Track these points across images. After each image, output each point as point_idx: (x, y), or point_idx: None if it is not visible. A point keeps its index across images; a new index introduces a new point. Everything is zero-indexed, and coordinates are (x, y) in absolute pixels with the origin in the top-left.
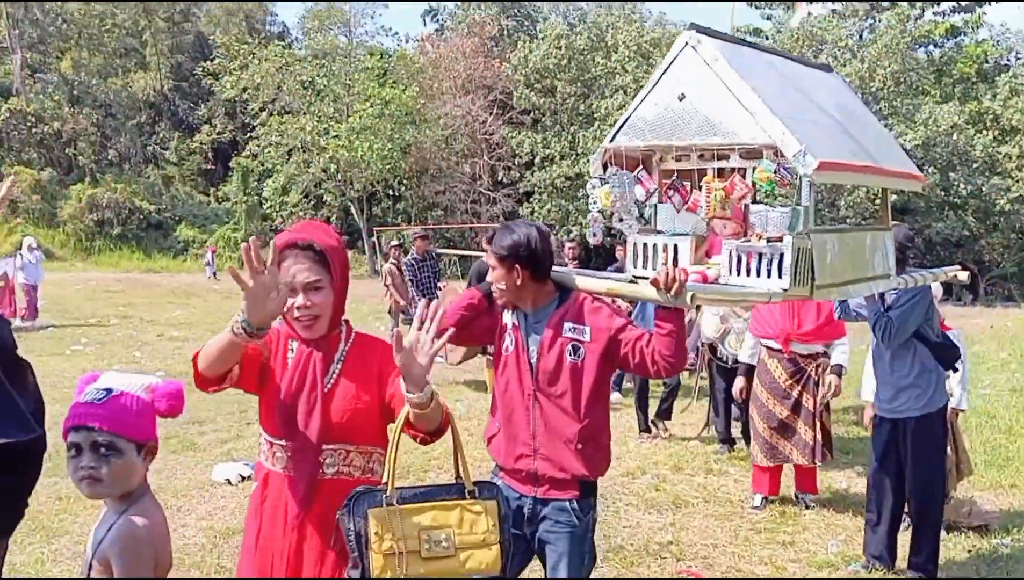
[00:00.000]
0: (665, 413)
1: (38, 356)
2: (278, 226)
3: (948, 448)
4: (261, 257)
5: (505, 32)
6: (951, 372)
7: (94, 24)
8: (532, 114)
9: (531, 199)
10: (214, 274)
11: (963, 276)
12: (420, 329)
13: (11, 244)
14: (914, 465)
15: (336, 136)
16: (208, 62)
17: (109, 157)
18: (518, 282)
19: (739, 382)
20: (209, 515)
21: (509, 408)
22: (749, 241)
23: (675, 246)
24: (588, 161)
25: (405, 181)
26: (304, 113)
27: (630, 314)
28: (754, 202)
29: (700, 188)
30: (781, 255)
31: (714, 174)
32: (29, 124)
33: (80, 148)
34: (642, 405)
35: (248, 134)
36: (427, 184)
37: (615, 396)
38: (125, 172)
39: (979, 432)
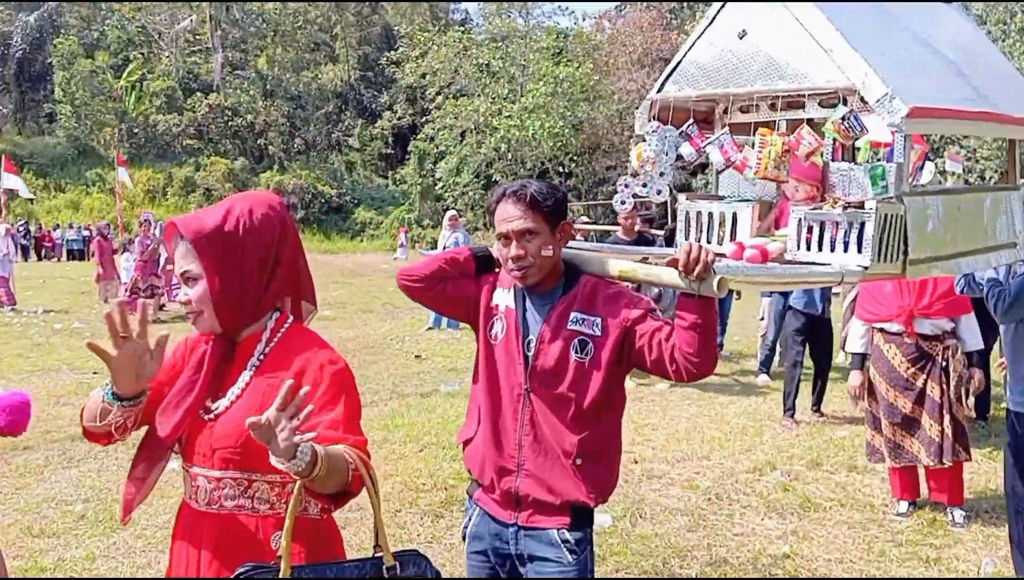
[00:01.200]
0: (816, 401)
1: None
2: (449, 206)
3: None
4: (128, 322)
5: (684, 2)
6: None
7: (287, 22)
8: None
9: (705, 171)
10: (407, 257)
11: None
12: (281, 410)
13: None
14: None
15: (508, 116)
16: (392, 52)
17: (296, 146)
18: (562, 245)
19: (855, 377)
20: None
21: (493, 409)
22: (820, 208)
23: (733, 215)
24: None
25: (576, 158)
26: (478, 95)
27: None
28: (838, 160)
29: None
30: (862, 224)
31: (782, 127)
32: (226, 118)
33: (271, 138)
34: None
35: (425, 118)
36: (598, 160)
37: (762, 378)
38: (311, 159)
39: None
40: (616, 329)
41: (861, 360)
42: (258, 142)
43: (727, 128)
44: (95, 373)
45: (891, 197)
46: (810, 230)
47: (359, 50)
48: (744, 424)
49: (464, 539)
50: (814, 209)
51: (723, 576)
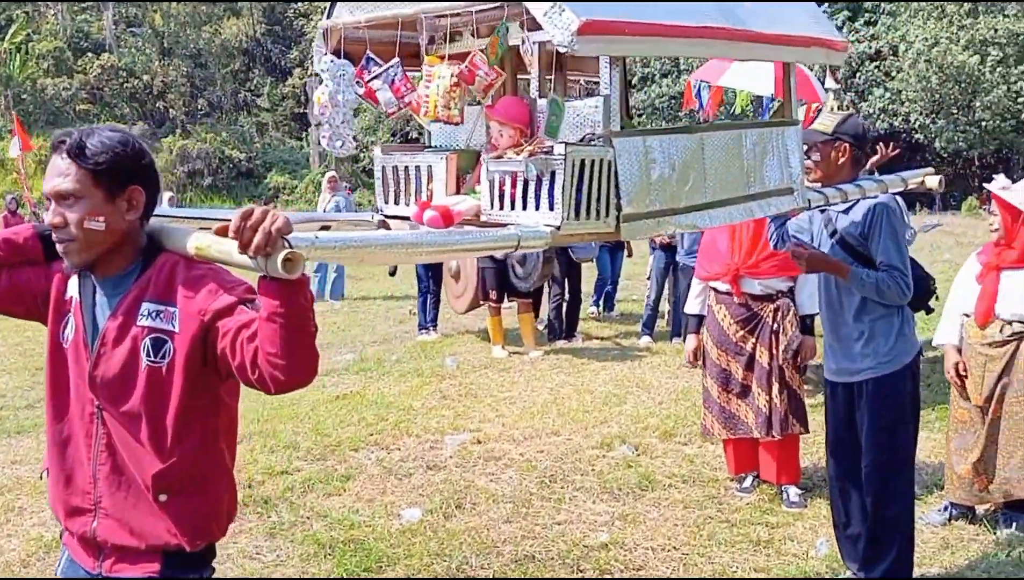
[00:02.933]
0: None
1: None
2: (367, 167)
3: None
4: None
5: None
6: None
7: None
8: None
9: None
10: None
11: (932, 182)
12: None
13: None
14: (868, 445)
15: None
16: (299, 2)
17: (200, 107)
18: (129, 216)
19: (690, 342)
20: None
21: (64, 433)
22: (502, 157)
23: (428, 168)
24: None
25: None
26: None
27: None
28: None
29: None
30: (553, 174)
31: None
32: (121, 79)
33: (171, 100)
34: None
35: None
36: None
37: (644, 340)
38: (217, 121)
39: None
40: (194, 322)
41: (697, 322)
42: (157, 105)
43: (398, 60)
44: None
45: (593, 139)
46: (503, 184)
47: (264, 2)
48: (609, 393)
49: None
50: (496, 157)
51: (522, 575)
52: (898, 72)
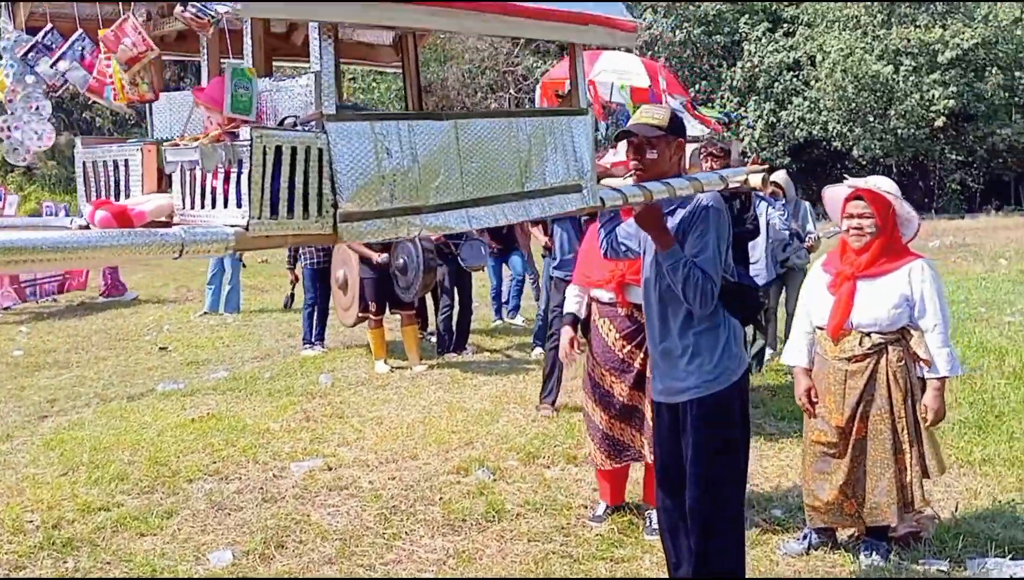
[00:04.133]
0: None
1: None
2: None
3: (913, 439)
4: None
5: None
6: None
7: None
8: (557, 42)
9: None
10: None
11: (755, 180)
12: None
13: (25, 211)
14: (693, 475)
15: (353, 78)
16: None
17: (128, 116)
18: None
19: (565, 334)
20: None
21: None
22: (179, 145)
23: (125, 163)
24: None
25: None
26: None
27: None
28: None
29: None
30: (240, 163)
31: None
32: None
33: (98, 109)
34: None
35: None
36: None
37: (536, 352)
38: (146, 130)
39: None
40: None
41: (572, 319)
42: (84, 115)
43: (81, 31)
44: None
45: (297, 123)
46: (194, 178)
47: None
48: (483, 410)
49: None
50: (173, 145)
51: None
52: (816, 82)
